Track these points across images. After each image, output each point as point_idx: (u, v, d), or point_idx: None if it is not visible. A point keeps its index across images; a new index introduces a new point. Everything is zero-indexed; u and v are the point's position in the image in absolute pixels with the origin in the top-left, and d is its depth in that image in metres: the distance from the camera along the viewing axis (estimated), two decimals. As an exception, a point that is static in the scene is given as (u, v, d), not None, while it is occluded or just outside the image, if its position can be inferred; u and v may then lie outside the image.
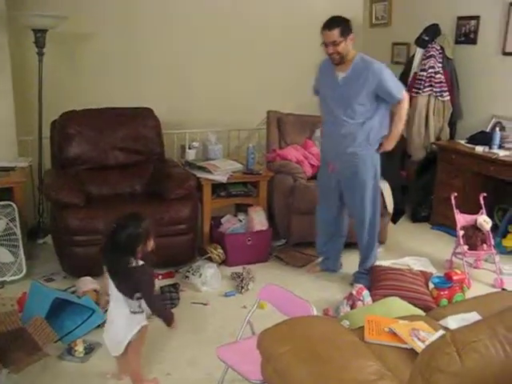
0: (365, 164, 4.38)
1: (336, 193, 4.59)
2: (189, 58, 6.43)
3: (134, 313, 3.12)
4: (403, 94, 4.31)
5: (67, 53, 5.94)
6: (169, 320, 3.22)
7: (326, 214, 4.73)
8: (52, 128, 5.19)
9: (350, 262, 4.91)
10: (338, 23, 4.14)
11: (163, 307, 3.45)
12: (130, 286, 3.08)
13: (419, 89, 6.16)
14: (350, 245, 4.96)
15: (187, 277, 4.65)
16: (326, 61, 4.39)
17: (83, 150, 5.07)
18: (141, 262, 3.07)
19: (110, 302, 3.20)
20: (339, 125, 4.33)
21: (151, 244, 3.14)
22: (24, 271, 4.59)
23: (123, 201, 4.86)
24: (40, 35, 5.20)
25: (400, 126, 4.43)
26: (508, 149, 5.42)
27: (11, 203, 4.69)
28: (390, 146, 4.43)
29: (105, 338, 3.25)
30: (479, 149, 5.52)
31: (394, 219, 5.65)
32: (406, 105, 4.37)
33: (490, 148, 5.48)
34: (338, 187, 4.55)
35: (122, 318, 3.13)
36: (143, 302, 3.13)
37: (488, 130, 5.80)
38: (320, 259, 4.95)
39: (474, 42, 6.08)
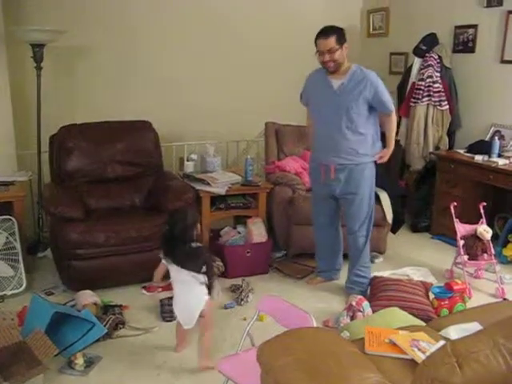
0: (363, 173, 4.38)
1: (331, 201, 4.60)
2: (187, 70, 6.44)
3: (202, 283, 3.53)
4: (394, 109, 4.43)
5: (65, 67, 5.96)
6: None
7: (325, 227, 4.74)
8: (51, 142, 5.19)
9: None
10: (333, 31, 4.17)
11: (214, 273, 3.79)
12: (197, 263, 3.52)
13: (418, 99, 6.17)
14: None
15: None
16: (316, 72, 4.44)
17: (82, 163, 5.07)
18: (198, 244, 3.62)
19: (174, 285, 3.63)
20: (336, 135, 4.32)
21: (198, 229, 3.66)
22: (24, 285, 4.58)
23: (122, 214, 4.88)
24: (38, 50, 5.21)
25: (394, 138, 4.52)
26: (507, 157, 5.42)
27: (11, 217, 4.69)
28: (387, 157, 4.48)
29: (177, 313, 3.65)
30: (478, 158, 5.52)
31: (394, 229, 5.64)
32: (395, 117, 4.47)
33: (490, 157, 5.48)
34: (333, 195, 4.54)
35: (194, 292, 3.55)
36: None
37: (487, 139, 5.80)
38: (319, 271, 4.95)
39: (472, 50, 6.08)
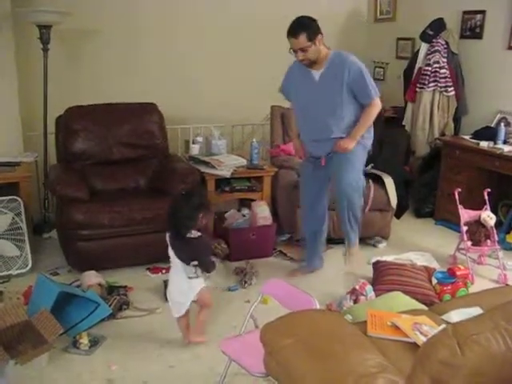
0: (355, 153, 4.28)
1: (321, 181, 4.50)
2: (192, 53, 6.44)
3: (191, 278, 3.52)
4: (377, 96, 4.17)
5: (72, 49, 5.96)
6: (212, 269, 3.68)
7: (312, 204, 4.60)
8: (57, 123, 5.21)
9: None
10: (302, 28, 3.98)
11: (211, 266, 3.67)
12: (187, 254, 3.49)
13: (424, 84, 6.16)
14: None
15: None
16: (296, 63, 4.26)
17: (88, 145, 5.09)
18: (198, 233, 3.51)
19: (170, 270, 3.64)
20: (321, 126, 4.23)
21: (204, 219, 3.55)
22: (29, 265, 4.62)
23: (127, 195, 4.89)
24: (45, 31, 5.22)
25: (363, 126, 4.21)
26: (513, 144, 5.42)
27: (17, 198, 4.72)
28: (345, 146, 4.19)
29: (169, 299, 3.67)
30: (484, 144, 5.52)
31: (398, 214, 5.65)
32: (376, 109, 4.19)
33: (495, 143, 5.49)
34: (325, 176, 4.47)
35: (181, 283, 3.54)
36: (198, 269, 3.54)
37: (493, 126, 5.80)
38: (303, 263, 4.91)
39: (479, 36, 6.06)
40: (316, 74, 4.17)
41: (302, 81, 4.27)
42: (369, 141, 4.38)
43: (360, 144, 4.27)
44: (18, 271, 4.56)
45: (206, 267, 3.57)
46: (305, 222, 4.75)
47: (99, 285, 4.19)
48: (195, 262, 3.50)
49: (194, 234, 3.51)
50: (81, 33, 5.91)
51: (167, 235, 3.60)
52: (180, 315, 3.61)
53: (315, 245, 4.77)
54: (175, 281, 3.60)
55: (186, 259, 3.50)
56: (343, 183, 4.29)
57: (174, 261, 3.56)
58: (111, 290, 4.25)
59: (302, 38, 3.97)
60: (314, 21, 4.06)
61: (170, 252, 3.57)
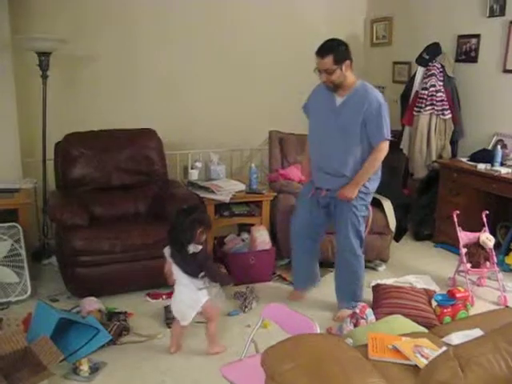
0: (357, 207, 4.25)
1: (316, 211, 4.44)
2: (190, 79, 6.47)
3: (200, 289, 3.69)
4: (388, 139, 4.09)
5: (71, 75, 5.99)
6: (228, 283, 4.14)
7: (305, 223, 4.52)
8: (56, 150, 5.22)
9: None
10: (331, 49, 3.93)
11: (223, 277, 4.01)
12: (195, 267, 3.65)
13: (421, 107, 6.20)
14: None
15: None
16: (322, 84, 4.17)
17: (87, 171, 5.11)
18: (199, 247, 3.66)
19: (175, 284, 3.77)
20: (329, 154, 4.18)
21: (203, 235, 3.68)
22: (29, 292, 4.60)
23: (127, 221, 4.91)
24: (44, 58, 5.25)
25: (367, 172, 4.14)
26: (510, 166, 5.44)
27: (16, 224, 4.72)
28: (348, 193, 4.15)
29: (173, 311, 3.83)
30: (481, 166, 5.54)
31: (397, 237, 5.67)
32: (382, 154, 4.12)
33: (492, 166, 5.50)
34: (323, 214, 4.44)
35: (189, 295, 3.70)
36: (206, 279, 3.70)
37: (490, 148, 5.83)
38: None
39: (474, 60, 6.12)
40: (339, 99, 4.11)
41: (323, 103, 4.21)
42: (372, 184, 4.28)
43: (361, 192, 4.20)
44: (17, 298, 4.54)
45: (214, 276, 3.75)
46: (293, 239, 4.67)
47: (99, 311, 4.18)
48: (202, 274, 3.67)
49: (195, 248, 3.64)
50: (79, 59, 5.95)
51: (166, 251, 3.74)
52: (187, 323, 3.78)
53: (301, 263, 4.72)
54: (181, 293, 3.74)
55: (193, 273, 3.66)
56: (345, 252, 4.36)
57: (178, 275, 3.70)
58: (111, 315, 4.23)
59: (328, 60, 3.92)
60: (345, 45, 4.02)
61: (174, 267, 3.71)
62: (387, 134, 4.06)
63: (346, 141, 4.09)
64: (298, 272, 4.79)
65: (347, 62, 3.98)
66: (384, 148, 4.10)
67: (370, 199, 4.37)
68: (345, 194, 4.15)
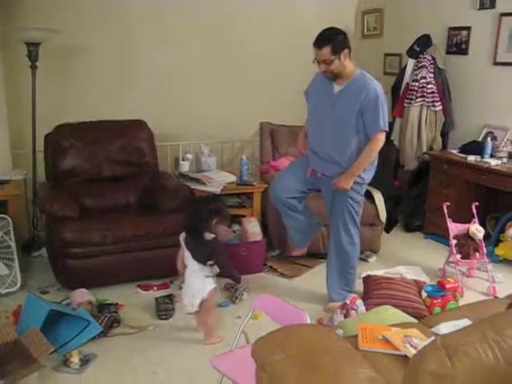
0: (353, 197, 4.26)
1: (306, 184, 4.40)
2: (182, 71, 6.46)
3: (207, 277, 3.79)
4: (384, 129, 4.06)
5: (60, 66, 5.96)
6: (237, 279, 4.04)
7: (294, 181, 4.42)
8: (46, 141, 5.20)
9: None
10: (329, 40, 3.89)
11: (232, 271, 3.93)
12: (204, 254, 3.76)
13: (411, 99, 6.21)
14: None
15: (182, 288, 4.67)
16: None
17: (77, 162, 5.09)
18: (213, 235, 3.76)
19: (186, 269, 3.86)
20: (326, 141, 4.17)
21: (218, 226, 3.82)
22: (19, 284, 4.59)
23: (117, 213, 4.89)
24: (33, 49, 5.21)
25: (363, 162, 4.11)
26: (499, 158, 5.46)
27: (6, 216, 4.70)
28: (344, 183, 4.13)
29: (183, 298, 3.93)
30: (471, 158, 5.55)
31: (387, 229, 5.68)
32: (378, 145, 4.09)
33: (482, 157, 5.52)
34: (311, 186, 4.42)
35: (198, 282, 3.79)
36: (214, 267, 3.82)
37: (480, 140, 5.84)
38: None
39: (465, 52, 6.14)
40: (337, 87, 4.08)
41: (322, 90, 4.18)
42: (368, 174, 4.26)
43: (356, 183, 4.19)
44: (7, 290, 4.53)
45: (222, 266, 3.82)
46: (273, 189, 4.54)
47: (89, 303, 4.17)
48: (211, 262, 3.78)
49: (208, 236, 3.75)
50: (69, 50, 5.92)
51: (181, 236, 3.86)
52: (195, 310, 3.86)
53: (288, 215, 4.56)
54: (192, 281, 3.83)
55: (202, 260, 3.77)
56: (342, 241, 4.36)
57: (190, 261, 3.81)
58: (102, 307, 4.23)
59: (326, 51, 3.89)
60: (343, 34, 4.00)
61: (187, 255, 3.82)
62: (384, 125, 4.04)
63: (342, 130, 4.08)
64: (294, 232, 4.71)
65: (345, 50, 3.94)
66: (380, 139, 4.07)
67: (364, 189, 4.38)
68: (340, 185, 4.13)
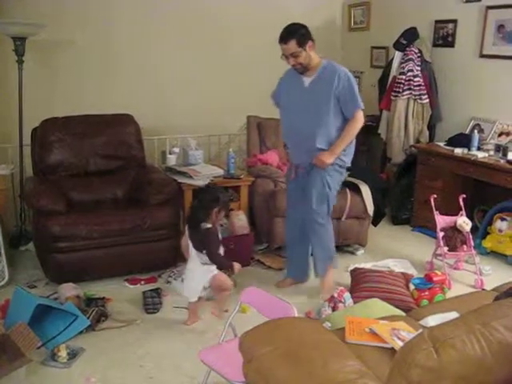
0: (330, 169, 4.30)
1: (298, 191, 4.47)
2: (168, 64, 6.45)
3: (204, 264, 3.89)
4: (361, 108, 4.19)
5: (47, 60, 5.94)
6: (227, 268, 4.03)
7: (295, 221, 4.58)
8: (33, 135, 5.18)
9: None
10: (293, 34, 4.05)
11: (223, 262, 3.99)
12: (201, 243, 3.88)
13: (398, 92, 6.21)
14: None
15: (169, 282, 4.68)
16: (289, 71, 4.35)
17: (64, 156, 5.07)
18: (209, 225, 3.85)
19: (188, 259, 4.01)
20: (305, 133, 4.22)
21: (219, 215, 3.93)
22: (6, 278, 4.58)
23: (105, 207, 4.88)
24: (19, 43, 5.19)
25: (344, 140, 4.21)
26: (486, 150, 5.49)
27: (-8, 210, 4.69)
28: (323, 159, 4.19)
29: (184, 287, 4.07)
30: (458, 151, 5.57)
31: (375, 222, 5.69)
32: (358, 123, 4.20)
33: (469, 150, 5.54)
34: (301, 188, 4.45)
35: (196, 269, 3.93)
36: None
37: (467, 132, 5.86)
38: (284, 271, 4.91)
39: (451, 45, 6.15)
40: (307, 80, 4.22)
41: (293, 86, 4.32)
42: (348, 157, 4.35)
43: (336, 164, 4.27)
44: (-5, 284, 4.52)
45: (214, 259, 3.88)
46: (286, 227, 4.75)
47: (77, 297, 4.16)
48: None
49: (204, 225, 3.85)
50: (56, 44, 5.90)
51: (186, 225, 4.01)
52: (193, 300, 3.99)
53: (293, 253, 4.75)
54: (191, 269, 3.98)
55: (198, 246, 3.89)
56: (312, 214, 4.35)
57: (191, 249, 3.94)
58: (89, 301, 4.22)
59: (292, 44, 4.04)
60: (305, 27, 4.13)
61: (189, 241, 3.94)
62: (360, 105, 4.18)
63: (320, 117, 4.17)
64: (292, 262, 4.81)
65: (310, 42, 4.10)
66: (359, 118, 4.20)
67: (344, 175, 4.45)
68: (321, 158, 4.19)
